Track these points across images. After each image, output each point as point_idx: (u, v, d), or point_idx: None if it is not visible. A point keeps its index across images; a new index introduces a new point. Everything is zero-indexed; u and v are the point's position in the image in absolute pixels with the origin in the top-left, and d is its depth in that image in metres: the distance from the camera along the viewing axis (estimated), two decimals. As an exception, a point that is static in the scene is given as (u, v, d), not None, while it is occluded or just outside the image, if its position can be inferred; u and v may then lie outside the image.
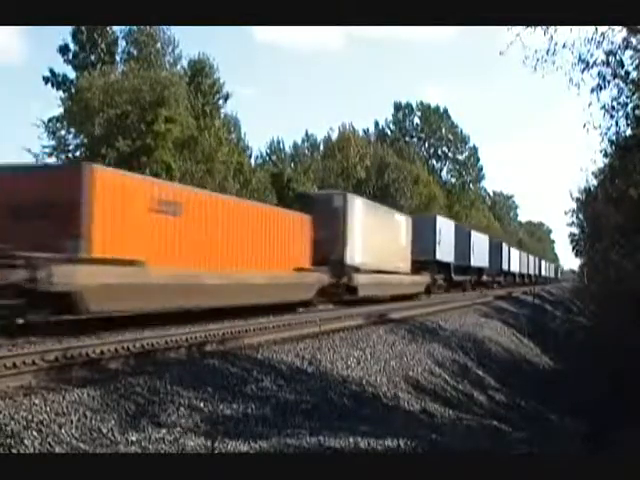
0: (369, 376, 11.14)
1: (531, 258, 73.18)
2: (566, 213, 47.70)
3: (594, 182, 34.16)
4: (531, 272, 71.72)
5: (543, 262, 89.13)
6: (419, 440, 7.43)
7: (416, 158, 59.67)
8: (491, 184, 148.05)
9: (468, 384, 14.33)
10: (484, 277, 44.64)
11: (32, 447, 5.43)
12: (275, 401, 8.32)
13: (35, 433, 5.63)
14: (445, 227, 33.08)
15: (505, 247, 52.98)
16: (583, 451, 9.71)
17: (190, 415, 7.03)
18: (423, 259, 28.66)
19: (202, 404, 7.42)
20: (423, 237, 28.79)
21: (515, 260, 58.45)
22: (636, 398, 13.62)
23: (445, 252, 32.32)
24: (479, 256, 41.09)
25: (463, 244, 36.93)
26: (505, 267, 52.28)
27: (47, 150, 30.64)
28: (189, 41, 75.36)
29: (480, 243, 42.32)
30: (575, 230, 51.39)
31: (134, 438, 6.07)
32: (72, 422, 6.02)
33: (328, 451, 6.51)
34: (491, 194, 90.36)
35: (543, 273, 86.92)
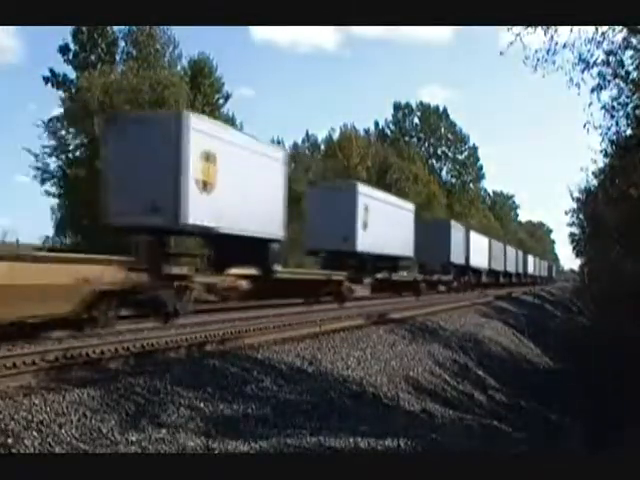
0: (369, 376, 11.13)
1: (511, 251, 56.15)
2: (566, 213, 47.64)
3: (594, 182, 34.18)
4: (511, 269, 55.10)
5: (530, 257, 71.34)
6: (419, 440, 7.43)
7: (416, 158, 59.64)
8: (491, 184, 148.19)
9: (468, 384, 14.32)
10: (402, 273, 27.09)
11: (32, 447, 5.42)
12: (275, 401, 8.31)
13: (35, 433, 5.62)
14: (251, 161, 14.46)
15: (458, 230, 35.25)
16: (583, 451, 9.72)
17: (190, 415, 7.02)
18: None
19: (202, 404, 7.42)
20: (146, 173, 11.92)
21: (480, 251, 40.73)
22: (636, 398, 13.62)
23: (253, 216, 14.35)
24: (385, 238, 22.62)
25: (330, 210, 19.99)
26: (458, 260, 34.44)
27: (47, 150, 30.72)
28: (189, 41, 75.24)
29: (387, 213, 23.30)
30: (575, 230, 51.48)
31: (134, 438, 6.06)
32: (72, 422, 6.02)
33: (328, 451, 6.50)
34: (491, 194, 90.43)
35: (531, 271, 69.97)
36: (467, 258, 36.60)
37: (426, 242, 28.51)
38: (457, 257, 34.12)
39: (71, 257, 10.79)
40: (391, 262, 24.71)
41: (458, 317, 21.72)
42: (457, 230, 35.17)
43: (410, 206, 28.31)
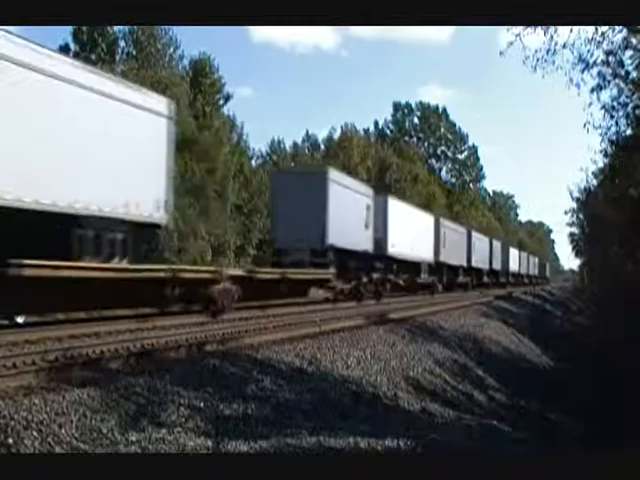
0: (369, 376, 11.13)
1: (479, 240, 42.01)
2: (566, 213, 47.73)
3: (594, 182, 34.22)
4: (480, 265, 41.33)
5: (514, 251, 57.63)
6: (419, 440, 7.42)
7: (416, 158, 59.60)
8: (491, 184, 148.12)
9: (468, 384, 14.32)
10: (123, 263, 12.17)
11: (32, 447, 5.42)
12: (275, 401, 8.31)
13: (35, 433, 5.62)
14: None
15: (350, 191, 20.42)
16: (583, 451, 9.71)
17: (190, 415, 7.02)
18: None
19: (202, 404, 7.42)
20: None
21: (414, 235, 26.12)
22: (636, 398, 13.62)
23: None
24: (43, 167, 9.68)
25: None
26: (355, 245, 20.42)
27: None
28: (188, 41, 75.45)
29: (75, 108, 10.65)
30: (575, 230, 51.52)
31: (134, 438, 6.06)
32: (72, 422, 6.01)
33: (328, 451, 6.50)
34: (491, 194, 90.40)
35: (514, 269, 56.29)
36: (381, 243, 21.98)
37: (284, 209, 17.18)
38: (349, 239, 18.88)
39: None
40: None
41: (458, 317, 21.73)
42: (346, 190, 19.18)
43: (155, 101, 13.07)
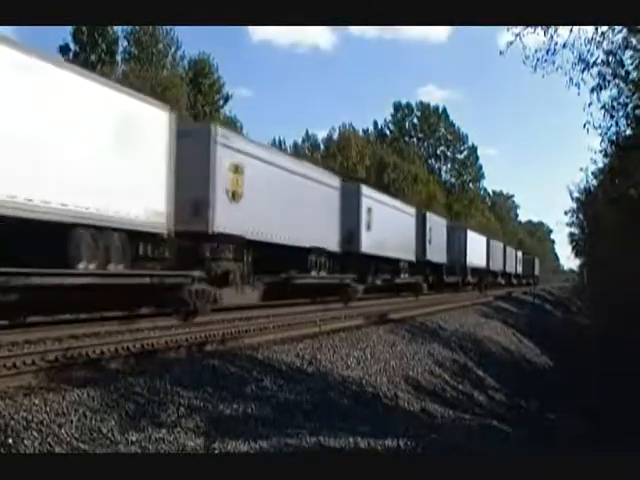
0: (369, 376, 11.14)
1: (391, 206, 24.55)
2: (566, 213, 47.65)
3: (594, 182, 34.22)
4: (395, 254, 24.04)
5: (475, 237, 39.92)
6: (419, 440, 7.43)
7: (415, 158, 59.59)
8: (491, 184, 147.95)
9: (468, 384, 14.33)
10: None
11: (32, 447, 5.42)
12: (275, 401, 8.31)
13: (35, 433, 5.62)
14: None
15: None
16: (583, 451, 9.72)
17: (190, 415, 7.02)
18: None
19: (202, 404, 7.42)
20: None
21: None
22: (636, 398, 13.62)
23: None
24: None
25: None
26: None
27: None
28: (187, 41, 75.45)
29: None
30: (575, 230, 51.52)
31: (134, 438, 6.06)
32: (72, 422, 6.01)
33: (328, 451, 6.50)
34: (491, 194, 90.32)
35: (475, 263, 38.45)
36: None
37: None
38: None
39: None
40: None
41: (458, 317, 21.73)
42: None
43: None
